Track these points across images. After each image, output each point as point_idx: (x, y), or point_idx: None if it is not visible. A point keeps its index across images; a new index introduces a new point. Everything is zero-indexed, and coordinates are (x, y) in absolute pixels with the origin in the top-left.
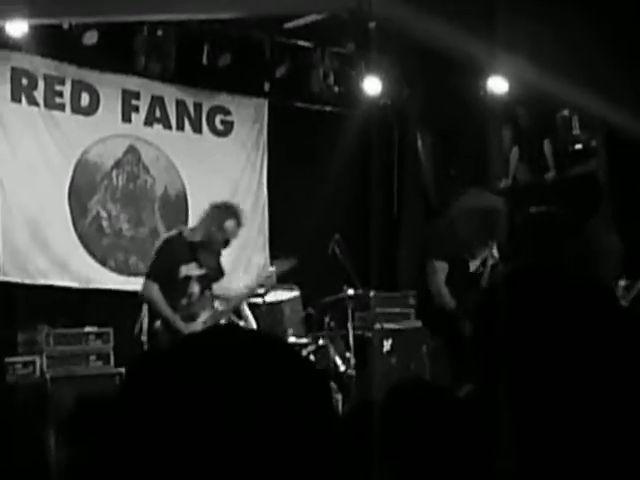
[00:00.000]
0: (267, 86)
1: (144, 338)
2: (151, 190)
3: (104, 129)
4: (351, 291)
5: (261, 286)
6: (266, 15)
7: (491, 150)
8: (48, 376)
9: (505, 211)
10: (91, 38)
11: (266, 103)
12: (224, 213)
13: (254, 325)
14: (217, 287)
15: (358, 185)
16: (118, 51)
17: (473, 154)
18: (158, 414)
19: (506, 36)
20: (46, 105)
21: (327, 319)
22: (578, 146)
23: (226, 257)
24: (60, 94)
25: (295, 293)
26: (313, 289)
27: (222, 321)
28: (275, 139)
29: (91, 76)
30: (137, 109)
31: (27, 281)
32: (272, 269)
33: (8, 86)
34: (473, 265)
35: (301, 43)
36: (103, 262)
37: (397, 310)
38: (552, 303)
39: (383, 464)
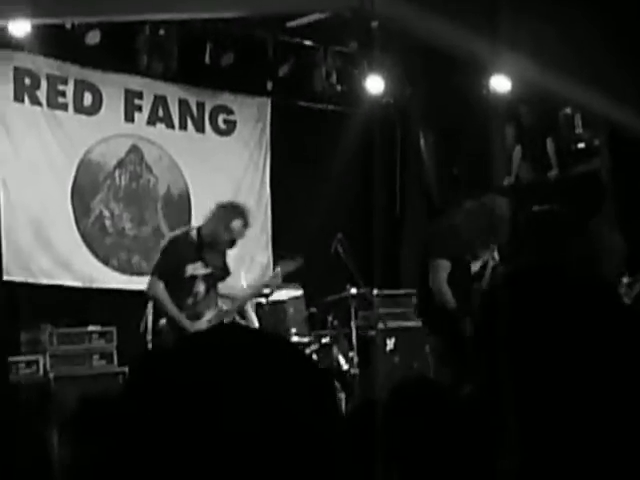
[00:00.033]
0: (270, 85)
1: (149, 336)
2: (154, 189)
3: (107, 129)
4: (354, 290)
5: (267, 286)
6: (269, 14)
7: (494, 149)
8: (51, 375)
9: (509, 214)
10: (94, 38)
11: (269, 102)
12: (231, 213)
13: (256, 325)
14: (222, 286)
15: (361, 184)
16: (121, 51)
17: (476, 153)
18: (161, 413)
19: (509, 34)
20: (49, 105)
21: (330, 318)
22: (581, 145)
23: (229, 256)
24: (63, 94)
25: (298, 292)
26: (316, 288)
27: (226, 320)
28: (278, 138)
29: (94, 76)
30: (140, 109)
31: (30, 280)
32: (278, 270)
33: (11, 86)
34: (474, 266)
35: (304, 42)
36: (106, 261)
37: (400, 309)
38: (554, 302)
39: (386, 462)
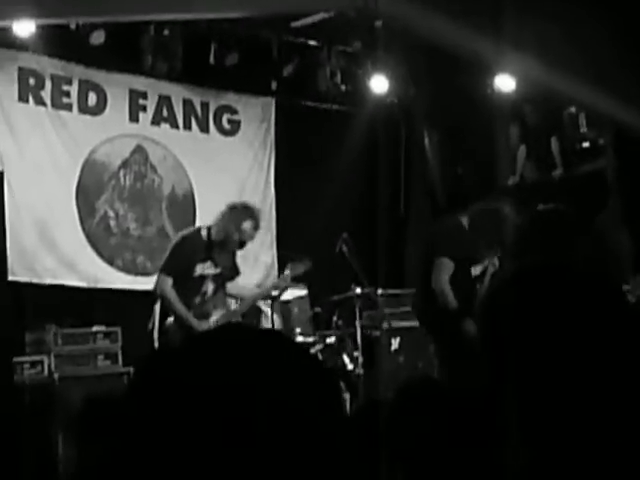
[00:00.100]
0: (274, 85)
1: (156, 335)
2: (158, 189)
3: (111, 129)
4: (359, 290)
5: (275, 288)
6: (273, 14)
7: (498, 148)
8: (56, 376)
9: (515, 221)
10: (98, 38)
11: (273, 102)
12: (242, 214)
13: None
14: (231, 286)
15: (365, 184)
16: (125, 51)
17: (480, 152)
18: (166, 413)
19: (513, 34)
20: (53, 105)
21: (335, 318)
22: (586, 144)
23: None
24: (67, 94)
25: (303, 292)
26: (321, 288)
27: (234, 321)
28: (282, 138)
29: (98, 76)
30: (144, 109)
31: (35, 281)
32: (287, 272)
33: (15, 86)
34: (474, 270)
35: (308, 42)
36: (111, 261)
37: (405, 308)
38: (560, 301)
39: (391, 462)
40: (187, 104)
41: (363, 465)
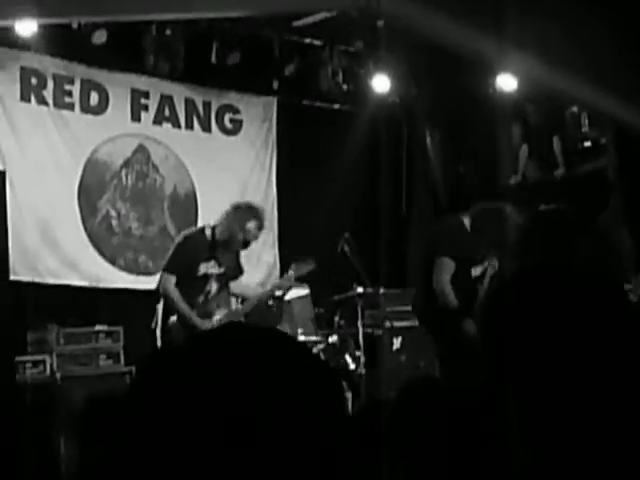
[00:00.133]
0: (276, 84)
1: (159, 333)
2: (160, 189)
3: (113, 128)
4: (361, 289)
5: (279, 288)
6: (275, 13)
7: (500, 147)
8: (58, 375)
9: (517, 221)
10: (100, 37)
11: (275, 101)
12: (246, 214)
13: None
14: (234, 285)
15: (367, 183)
16: (127, 50)
17: (482, 151)
18: (168, 412)
19: (515, 33)
20: (55, 104)
21: (337, 317)
22: (587, 143)
23: None
24: (69, 93)
25: (305, 291)
26: (323, 287)
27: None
28: (284, 137)
29: (100, 75)
30: (146, 108)
31: (37, 280)
32: (291, 272)
33: (17, 85)
34: (474, 271)
35: (310, 41)
36: (113, 261)
37: (407, 308)
38: (561, 301)
39: (393, 462)
40: (189, 103)
41: (365, 464)
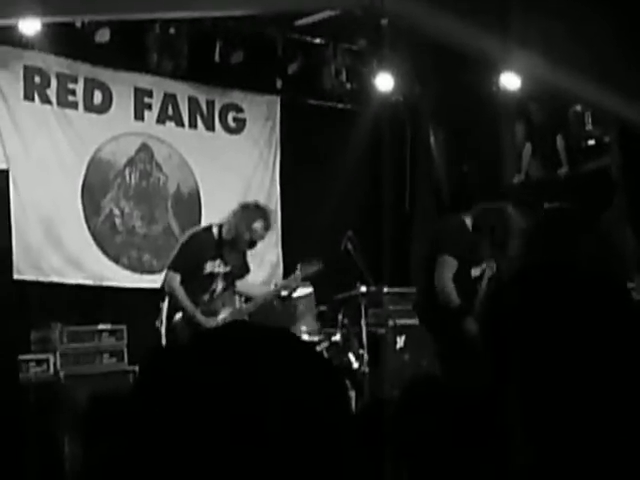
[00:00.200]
0: (279, 83)
1: (163, 331)
2: (164, 188)
3: (117, 127)
4: (364, 288)
5: (285, 287)
6: (278, 12)
7: (504, 146)
8: (62, 374)
9: (519, 221)
10: (103, 36)
11: (278, 100)
12: (253, 214)
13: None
14: (240, 284)
15: (370, 182)
16: (130, 49)
17: (486, 150)
18: (172, 411)
19: (519, 32)
20: (59, 103)
21: (340, 316)
22: (591, 142)
23: None
24: (73, 92)
25: (308, 290)
26: (326, 286)
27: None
28: (287, 136)
29: (104, 74)
30: (150, 107)
31: (40, 279)
32: (298, 272)
33: (21, 84)
34: (474, 272)
35: (313, 40)
36: (116, 260)
37: (410, 306)
38: (564, 299)
39: (396, 460)
40: (192, 102)
41: (368, 463)
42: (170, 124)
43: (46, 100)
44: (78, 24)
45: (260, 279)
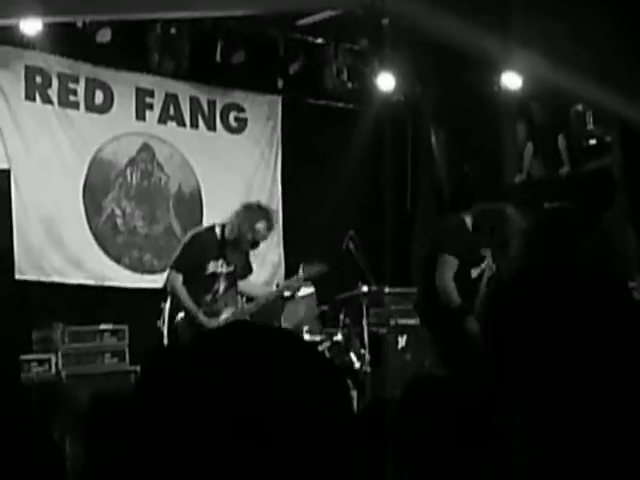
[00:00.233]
0: (281, 83)
1: (165, 331)
2: (165, 188)
3: (118, 127)
4: (365, 287)
5: (288, 288)
6: (280, 12)
7: (505, 146)
8: (63, 374)
9: (519, 221)
10: (105, 36)
11: (280, 100)
12: (256, 214)
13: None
14: (243, 284)
15: (372, 181)
16: (132, 49)
17: (487, 150)
18: (174, 411)
19: (520, 31)
20: (60, 103)
21: (342, 316)
22: (592, 141)
23: None
24: (74, 92)
25: (310, 290)
26: (328, 286)
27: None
28: (289, 136)
29: (105, 74)
30: (151, 107)
31: (42, 279)
32: (301, 273)
33: (22, 84)
34: (473, 272)
35: (314, 40)
36: (118, 260)
37: (412, 306)
38: (565, 299)
39: (398, 460)
40: (194, 102)
41: (370, 462)
42: (171, 124)
43: (47, 100)
44: (79, 24)
45: (262, 279)
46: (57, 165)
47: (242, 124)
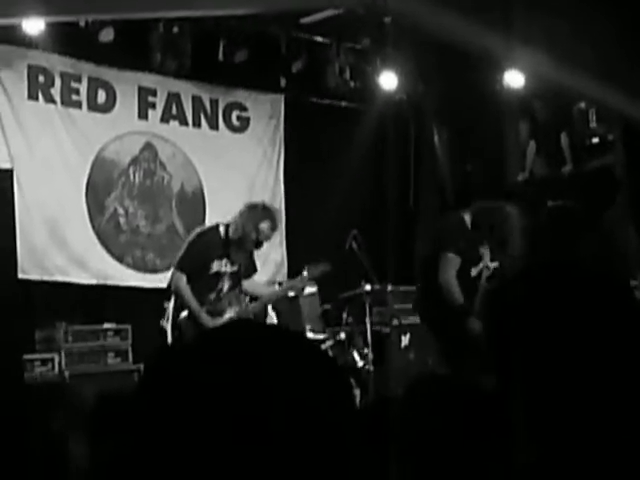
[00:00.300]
0: (283, 82)
1: (169, 330)
2: (168, 187)
3: (121, 126)
4: (368, 286)
5: (291, 288)
6: (282, 11)
7: (508, 144)
8: (66, 373)
9: (518, 220)
10: (107, 35)
11: (282, 99)
12: (260, 214)
13: (274, 320)
14: (247, 284)
15: (375, 180)
16: (134, 48)
17: (490, 148)
18: (177, 410)
19: (522, 30)
20: (63, 102)
21: (345, 315)
22: (595, 139)
23: None
24: (77, 91)
25: (313, 289)
26: (331, 285)
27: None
28: (291, 135)
29: (107, 73)
30: (153, 106)
31: (45, 278)
32: (305, 274)
33: (25, 84)
34: (473, 271)
35: (317, 38)
36: (120, 259)
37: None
38: (567, 298)
39: (401, 460)
40: (196, 101)
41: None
42: (174, 123)
43: (50, 99)
44: (82, 23)
45: (265, 278)
46: (60, 164)
47: (245, 123)
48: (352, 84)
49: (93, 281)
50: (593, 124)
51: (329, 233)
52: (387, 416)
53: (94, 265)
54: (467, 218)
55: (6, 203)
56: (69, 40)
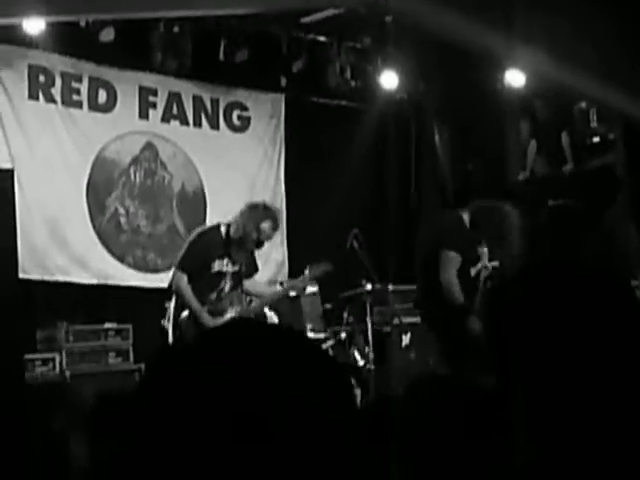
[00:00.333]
0: (284, 81)
1: (170, 330)
2: (169, 186)
3: (121, 126)
4: (369, 286)
5: (293, 288)
6: (282, 10)
7: (508, 143)
8: (67, 373)
9: (517, 219)
10: (108, 35)
11: (283, 98)
12: (261, 214)
13: (275, 320)
14: (248, 284)
15: (375, 180)
16: (135, 48)
17: (491, 148)
18: (177, 409)
19: (523, 29)
20: (63, 102)
21: (346, 314)
22: (596, 139)
23: None
24: (77, 91)
25: (314, 288)
26: (332, 284)
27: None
28: (292, 134)
29: (108, 73)
30: (154, 105)
31: (46, 278)
32: (307, 273)
33: (25, 84)
34: (473, 270)
35: (318, 38)
36: (121, 259)
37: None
38: (568, 297)
39: (401, 459)
40: (197, 101)
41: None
42: (175, 123)
43: (51, 99)
44: (82, 23)
45: (266, 278)
46: (60, 164)
47: (245, 123)
48: (353, 83)
49: (94, 281)
50: (594, 123)
51: (330, 232)
52: (388, 416)
53: (95, 265)
54: (465, 217)
55: (7, 203)
56: (70, 40)
